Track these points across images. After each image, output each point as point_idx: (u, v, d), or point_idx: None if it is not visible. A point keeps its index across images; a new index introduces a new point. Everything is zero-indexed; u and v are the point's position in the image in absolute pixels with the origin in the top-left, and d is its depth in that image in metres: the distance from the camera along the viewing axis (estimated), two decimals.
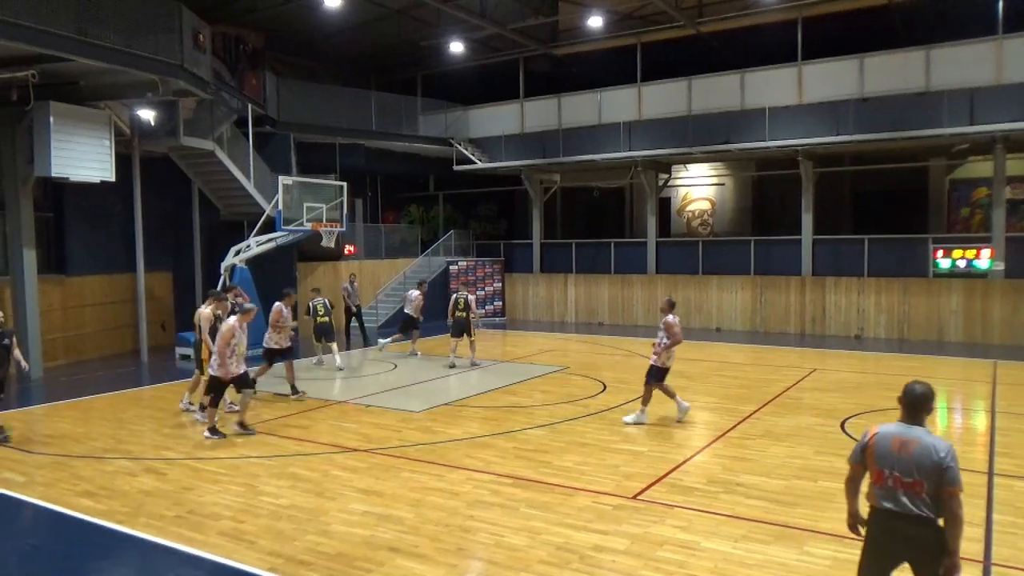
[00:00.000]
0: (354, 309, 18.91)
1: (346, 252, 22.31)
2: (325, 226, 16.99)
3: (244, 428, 9.76)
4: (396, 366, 15.19)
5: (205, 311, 10.62)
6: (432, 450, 8.95)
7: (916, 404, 4.15)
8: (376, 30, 22.36)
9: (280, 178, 16.60)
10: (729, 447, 9.06)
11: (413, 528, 6.49)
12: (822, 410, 10.83)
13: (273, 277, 18.83)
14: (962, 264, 18.55)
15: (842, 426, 9.88)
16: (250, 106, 18.43)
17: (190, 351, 16.35)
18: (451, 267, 24.05)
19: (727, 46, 22.12)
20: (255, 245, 16.67)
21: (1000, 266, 18.02)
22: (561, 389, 12.67)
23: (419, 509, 6.94)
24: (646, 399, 10.24)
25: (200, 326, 10.62)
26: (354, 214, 23.21)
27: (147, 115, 16.28)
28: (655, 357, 10.12)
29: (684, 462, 8.39)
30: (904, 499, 4.02)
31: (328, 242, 17.29)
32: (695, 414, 11.17)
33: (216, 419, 9.60)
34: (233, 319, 9.66)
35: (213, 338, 9.98)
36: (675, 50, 22.21)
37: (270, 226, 16.70)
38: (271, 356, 12.08)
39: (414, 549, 6.05)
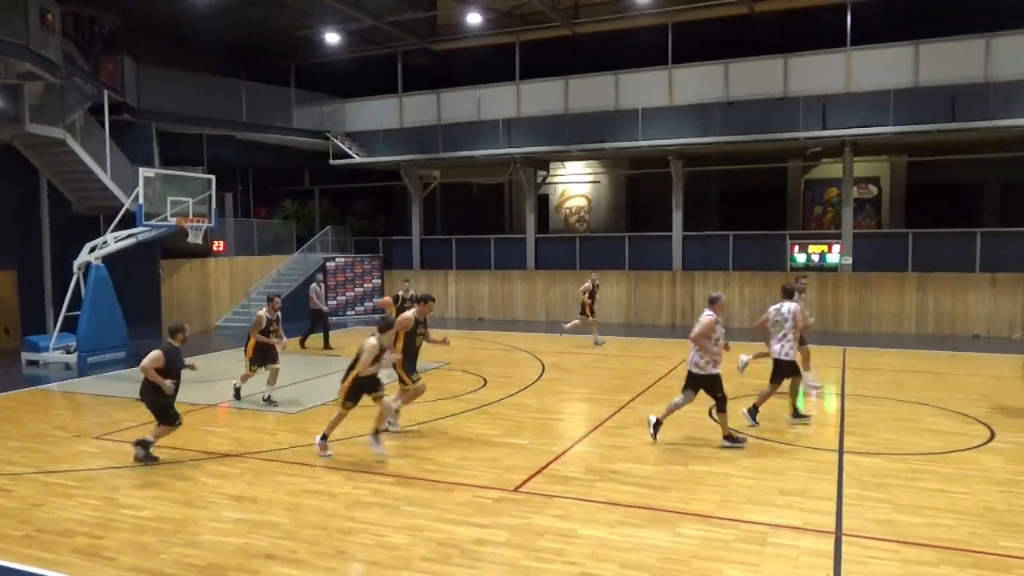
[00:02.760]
0: (326, 310, 17.54)
1: (214, 248, 21.28)
2: (191, 221, 16.12)
3: (734, 441, 8.64)
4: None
5: (408, 314, 9.65)
6: (309, 452, 8.67)
7: None
8: (246, 17, 21.43)
9: (141, 170, 15.57)
10: (606, 436, 9.33)
11: (289, 533, 6.27)
12: None
13: (133, 275, 17.73)
14: (816, 258, 20.02)
15: (710, 412, 10.36)
16: (106, 93, 17.21)
17: (38, 356, 15.19)
18: (328, 264, 23.43)
19: (602, 48, 22.77)
20: (113, 241, 15.58)
21: (848, 260, 19.56)
22: (442, 385, 12.61)
23: (295, 513, 6.71)
24: None
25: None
26: (223, 209, 22.18)
27: None
28: None
29: (563, 453, 8.56)
30: None
31: (195, 238, 16.39)
32: (573, 405, 11.43)
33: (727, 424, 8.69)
34: (793, 304, 9.23)
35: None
36: (553, 50, 22.65)
37: (130, 221, 15.67)
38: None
39: (291, 555, 5.85)
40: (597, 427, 9.78)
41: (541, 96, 22.14)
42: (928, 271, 18.89)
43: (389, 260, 25.09)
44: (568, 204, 27.38)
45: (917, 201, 22.60)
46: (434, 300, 10.24)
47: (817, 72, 19.19)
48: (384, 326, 8.59)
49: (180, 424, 8.45)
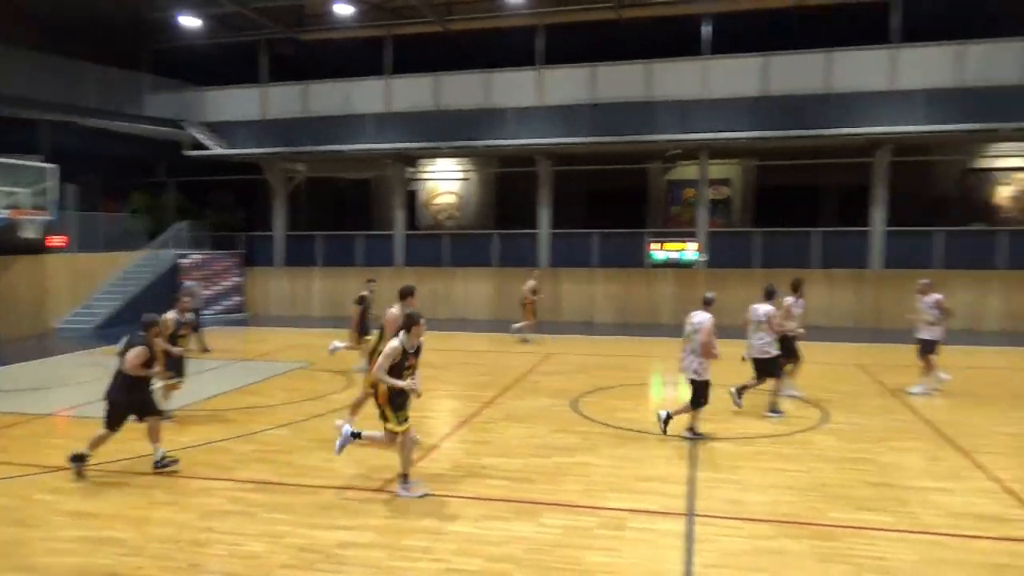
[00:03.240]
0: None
1: (52, 244, 19.56)
2: (26, 214, 14.82)
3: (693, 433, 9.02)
4: None
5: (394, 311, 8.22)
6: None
7: None
8: None
9: None
10: (473, 432, 9.38)
11: (136, 549, 5.87)
12: (556, 391, 11.62)
13: None
14: (673, 256, 21.04)
15: (573, 405, 10.68)
16: None
17: None
18: (182, 261, 22.05)
19: (474, 46, 22.84)
20: None
21: (704, 258, 20.68)
22: (305, 386, 12.26)
23: (143, 527, 6.29)
24: (928, 369, 11.47)
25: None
26: (64, 201, 20.46)
27: None
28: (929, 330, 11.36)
29: (431, 450, 8.53)
30: None
31: (31, 232, 15.10)
32: (441, 402, 11.42)
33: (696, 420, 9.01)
34: (768, 307, 9.68)
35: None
36: (425, 46, 22.51)
37: None
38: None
39: (137, 572, 5.48)
40: (464, 423, 9.82)
41: (412, 92, 21.96)
42: (772, 267, 20.27)
43: (251, 257, 24.07)
44: (437, 201, 27.30)
45: (765, 202, 24.22)
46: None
47: (677, 78, 20.18)
48: (408, 323, 6.86)
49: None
